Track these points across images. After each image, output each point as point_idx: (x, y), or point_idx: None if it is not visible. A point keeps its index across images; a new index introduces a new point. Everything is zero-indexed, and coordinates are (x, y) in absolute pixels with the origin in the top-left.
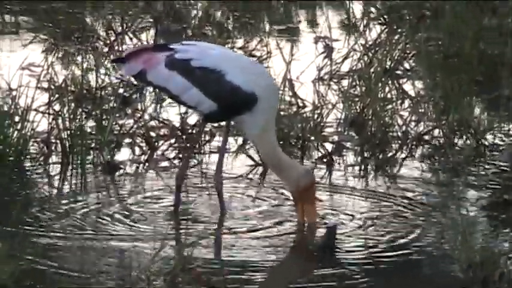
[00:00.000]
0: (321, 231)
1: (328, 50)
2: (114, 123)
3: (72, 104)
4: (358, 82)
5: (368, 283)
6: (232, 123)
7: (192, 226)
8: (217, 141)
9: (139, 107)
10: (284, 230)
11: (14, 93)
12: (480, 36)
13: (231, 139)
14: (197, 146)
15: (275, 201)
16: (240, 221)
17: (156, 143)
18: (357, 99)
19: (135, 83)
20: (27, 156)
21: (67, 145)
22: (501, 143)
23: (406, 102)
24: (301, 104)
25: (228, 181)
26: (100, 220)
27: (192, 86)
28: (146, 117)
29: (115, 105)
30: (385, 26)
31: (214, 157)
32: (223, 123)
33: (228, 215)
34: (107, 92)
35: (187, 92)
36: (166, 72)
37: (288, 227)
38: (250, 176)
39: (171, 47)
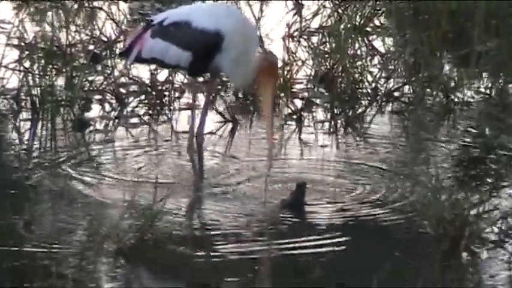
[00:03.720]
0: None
1: (298, 7)
2: (84, 80)
3: (42, 61)
4: (328, 39)
5: (336, 240)
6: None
7: (163, 184)
8: (186, 97)
9: (109, 64)
10: (253, 185)
11: None
12: None
13: (199, 95)
14: (167, 102)
15: (245, 157)
16: (211, 178)
17: (126, 100)
18: (326, 55)
19: (105, 39)
20: None
21: (37, 102)
22: (471, 99)
23: (376, 59)
24: None
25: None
26: (69, 178)
27: (170, 44)
28: (116, 73)
29: (85, 62)
30: None
31: (184, 114)
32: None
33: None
34: (77, 48)
35: (168, 52)
36: (150, 42)
37: (257, 183)
38: (220, 132)
39: (152, 19)
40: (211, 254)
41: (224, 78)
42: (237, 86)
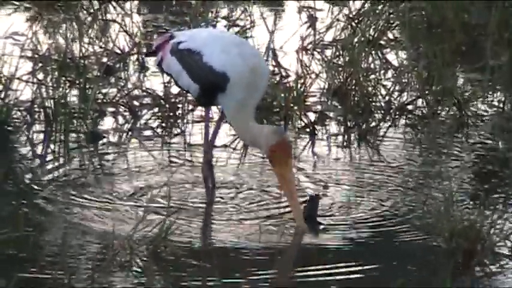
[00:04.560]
0: (302, 201)
1: (312, 20)
2: (97, 92)
3: (56, 73)
4: (341, 52)
5: (350, 252)
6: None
7: (176, 196)
8: (200, 110)
9: (122, 76)
10: (266, 200)
11: None
12: (464, 5)
13: (213, 108)
14: (180, 115)
15: (259, 170)
16: (224, 191)
17: (139, 112)
18: (340, 69)
19: (118, 52)
20: (11, 125)
21: (50, 114)
22: (484, 113)
23: (390, 72)
24: (284, 74)
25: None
26: (82, 189)
27: (182, 69)
28: (129, 86)
29: (98, 74)
30: None
31: (197, 126)
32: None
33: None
34: (90, 61)
35: (180, 75)
36: (169, 58)
37: (270, 197)
38: (233, 145)
39: (173, 33)
40: (223, 266)
41: None
42: (237, 133)
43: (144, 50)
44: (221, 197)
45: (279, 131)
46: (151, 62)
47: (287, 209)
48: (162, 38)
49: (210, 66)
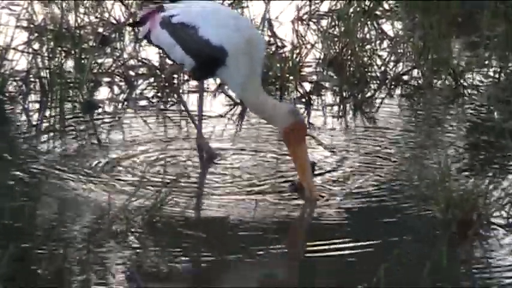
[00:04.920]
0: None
1: None
2: (93, 62)
3: (51, 43)
4: (337, 22)
5: (346, 223)
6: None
7: (171, 167)
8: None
9: (118, 46)
10: (263, 170)
11: None
12: None
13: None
14: (176, 84)
15: (255, 140)
16: (220, 162)
17: (135, 82)
18: (335, 39)
19: (114, 22)
20: (6, 95)
21: (46, 84)
22: (480, 83)
23: (385, 43)
24: (280, 44)
25: (207, 120)
26: (78, 160)
27: (176, 43)
28: (125, 56)
29: (94, 44)
30: None
31: (193, 96)
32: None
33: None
34: (86, 31)
35: (173, 49)
36: (160, 30)
37: (267, 167)
38: (229, 115)
39: (165, 5)
40: (220, 236)
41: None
42: (246, 104)
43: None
44: (217, 168)
45: (294, 112)
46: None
47: (283, 180)
48: (148, 9)
49: (206, 40)
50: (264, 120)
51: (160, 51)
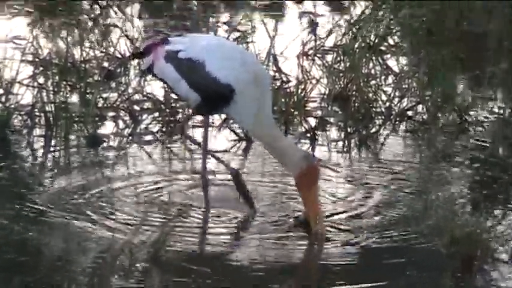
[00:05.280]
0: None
1: (313, 25)
2: (98, 96)
3: (57, 77)
4: (342, 57)
5: (350, 259)
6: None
7: (176, 201)
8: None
9: (123, 81)
10: (269, 206)
11: None
12: (464, 13)
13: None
14: (181, 119)
15: (260, 176)
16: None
17: (140, 117)
18: (341, 74)
19: (119, 56)
20: (11, 129)
21: (51, 118)
22: (484, 119)
23: (390, 78)
24: (285, 79)
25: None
26: (83, 195)
27: (181, 78)
28: (130, 90)
29: (99, 78)
30: (369, 2)
31: (198, 131)
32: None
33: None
34: (91, 65)
35: (178, 83)
36: (164, 64)
37: (270, 202)
38: (234, 150)
39: (169, 39)
40: (223, 271)
41: None
42: (260, 140)
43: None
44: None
45: (310, 157)
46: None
47: (288, 214)
48: (151, 40)
49: (213, 78)
50: (276, 159)
51: (165, 85)
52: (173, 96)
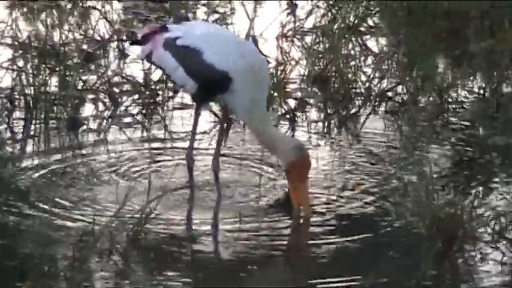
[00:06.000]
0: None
1: (292, 7)
2: (77, 79)
3: (36, 60)
4: (321, 39)
5: (331, 239)
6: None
7: (156, 183)
8: (179, 97)
9: (102, 63)
10: (247, 185)
11: None
12: None
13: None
14: (161, 101)
15: (239, 157)
16: (203, 177)
17: (120, 99)
18: (320, 55)
19: (98, 38)
20: None
21: (31, 101)
22: (464, 99)
23: (370, 59)
24: None
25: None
26: (62, 177)
27: (178, 65)
28: (109, 73)
29: (78, 61)
30: None
31: (177, 113)
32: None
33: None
34: (70, 48)
35: (176, 71)
36: (162, 52)
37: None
38: (214, 132)
39: (168, 26)
40: (202, 254)
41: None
42: (252, 133)
43: (124, 37)
44: (203, 184)
45: (300, 148)
46: (132, 49)
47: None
48: (150, 28)
49: (209, 65)
50: (266, 148)
51: (146, 67)
52: (153, 78)
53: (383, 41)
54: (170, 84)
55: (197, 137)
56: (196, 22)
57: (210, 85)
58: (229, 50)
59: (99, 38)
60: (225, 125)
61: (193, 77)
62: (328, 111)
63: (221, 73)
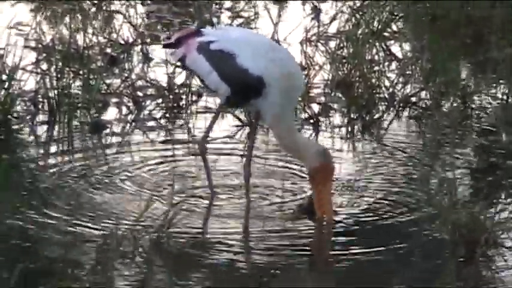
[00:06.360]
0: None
1: (316, 12)
2: (101, 82)
3: (60, 63)
4: (345, 44)
5: (354, 244)
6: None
7: (180, 187)
8: (203, 101)
9: (126, 67)
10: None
11: (1, 52)
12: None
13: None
14: (184, 105)
15: (263, 162)
16: (226, 181)
17: (143, 103)
18: (344, 60)
19: (122, 42)
20: (15, 115)
21: (54, 104)
22: (488, 105)
23: (393, 64)
24: None
25: (214, 141)
26: (87, 180)
27: (212, 70)
28: (133, 76)
29: (102, 64)
30: None
31: (201, 117)
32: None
33: (214, 177)
34: (94, 51)
35: (209, 75)
36: (196, 56)
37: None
38: (237, 136)
39: (202, 30)
40: (225, 258)
41: None
42: (278, 142)
43: (148, 41)
44: (226, 189)
45: (324, 153)
46: (155, 52)
47: (289, 203)
48: (184, 31)
49: (244, 70)
50: (293, 157)
51: (170, 70)
52: (176, 82)
53: (407, 46)
54: (194, 88)
55: (222, 140)
56: (230, 27)
57: (244, 89)
58: (264, 55)
59: (123, 42)
60: (255, 129)
61: (227, 81)
62: (352, 116)
63: (255, 78)
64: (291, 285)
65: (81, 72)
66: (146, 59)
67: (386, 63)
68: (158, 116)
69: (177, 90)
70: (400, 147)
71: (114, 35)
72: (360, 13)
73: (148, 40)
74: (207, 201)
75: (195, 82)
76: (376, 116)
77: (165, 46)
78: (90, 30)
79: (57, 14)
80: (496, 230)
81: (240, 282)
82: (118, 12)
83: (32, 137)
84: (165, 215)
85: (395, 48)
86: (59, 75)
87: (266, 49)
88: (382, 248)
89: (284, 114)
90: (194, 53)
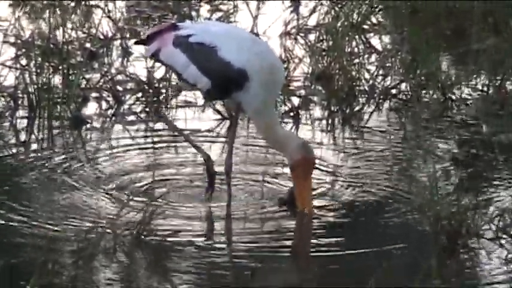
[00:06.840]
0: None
1: (295, 5)
2: (81, 77)
3: (39, 59)
4: (325, 36)
5: (336, 234)
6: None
7: (160, 182)
8: (183, 95)
9: (106, 61)
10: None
11: None
12: None
13: (198, 93)
14: (165, 100)
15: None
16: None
17: (123, 97)
18: (323, 53)
19: (101, 37)
20: None
21: (34, 99)
22: (468, 97)
23: (373, 57)
24: None
25: (195, 136)
26: (67, 175)
27: (190, 63)
28: (113, 71)
29: (82, 59)
30: None
31: (181, 111)
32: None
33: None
34: (73, 46)
35: (187, 69)
36: (172, 49)
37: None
38: (218, 129)
39: (178, 24)
40: (206, 253)
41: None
42: (260, 134)
43: (127, 35)
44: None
45: (305, 146)
46: (134, 47)
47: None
48: (159, 27)
49: (226, 62)
50: (275, 149)
51: (150, 65)
52: (156, 76)
53: (386, 38)
54: (174, 83)
55: (201, 134)
56: (209, 21)
57: (226, 82)
58: (246, 48)
59: (102, 37)
60: (236, 122)
61: (207, 74)
62: (332, 109)
63: (238, 71)
64: (273, 280)
65: (60, 67)
66: (126, 53)
67: (366, 56)
68: (138, 110)
69: (156, 85)
70: (379, 139)
71: (94, 30)
72: (340, 6)
73: (127, 35)
74: (188, 195)
75: (175, 76)
76: (357, 108)
77: (137, 42)
78: (69, 25)
79: (36, 9)
80: (477, 221)
81: (221, 276)
82: (97, 6)
83: (12, 132)
84: (145, 209)
85: (375, 41)
86: (38, 71)
87: (248, 42)
88: (361, 239)
89: (265, 107)
90: (170, 47)
